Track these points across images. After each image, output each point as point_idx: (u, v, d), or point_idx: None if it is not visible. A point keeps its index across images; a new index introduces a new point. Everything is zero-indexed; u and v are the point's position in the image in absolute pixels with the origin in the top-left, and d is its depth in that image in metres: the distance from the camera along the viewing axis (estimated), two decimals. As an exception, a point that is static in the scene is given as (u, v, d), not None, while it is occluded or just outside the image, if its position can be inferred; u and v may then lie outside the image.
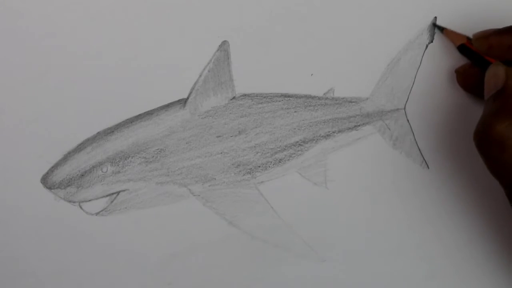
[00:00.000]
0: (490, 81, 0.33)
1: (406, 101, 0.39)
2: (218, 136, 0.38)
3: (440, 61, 0.39)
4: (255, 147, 0.38)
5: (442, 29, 0.39)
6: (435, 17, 0.39)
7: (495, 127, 0.30)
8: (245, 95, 0.38)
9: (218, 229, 0.38)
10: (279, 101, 0.39)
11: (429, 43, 0.39)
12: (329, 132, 0.39)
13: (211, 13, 0.38)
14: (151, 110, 0.38)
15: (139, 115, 0.38)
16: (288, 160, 0.39)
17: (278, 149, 0.39)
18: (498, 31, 0.35)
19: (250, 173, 0.38)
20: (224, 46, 0.38)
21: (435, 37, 0.39)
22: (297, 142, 0.39)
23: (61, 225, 0.37)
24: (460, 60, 0.38)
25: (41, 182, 0.37)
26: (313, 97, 0.39)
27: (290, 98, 0.39)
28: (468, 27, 0.39)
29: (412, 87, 0.39)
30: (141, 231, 0.38)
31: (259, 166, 0.38)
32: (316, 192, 0.39)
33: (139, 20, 0.38)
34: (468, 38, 0.37)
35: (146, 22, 0.38)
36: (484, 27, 0.37)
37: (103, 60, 0.38)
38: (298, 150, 0.39)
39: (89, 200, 0.37)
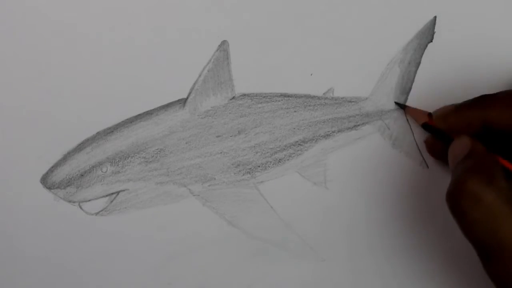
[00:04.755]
0: (456, 150, 0.33)
1: (406, 101, 0.39)
2: (217, 136, 0.38)
3: (439, 60, 0.39)
4: (254, 147, 0.38)
5: (404, 107, 0.39)
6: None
7: (467, 183, 0.29)
8: (244, 94, 0.38)
9: (218, 229, 0.38)
10: (279, 100, 0.39)
11: (428, 42, 0.39)
12: (328, 131, 0.39)
13: (211, 13, 0.38)
14: (150, 110, 0.38)
15: (139, 115, 0.38)
16: (288, 160, 0.39)
17: (278, 149, 0.39)
18: (456, 109, 0.35)
19: (249, 173, 0.38)
20: (223, 46, 0.38)
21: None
22: (297, 142, 0.39)
23: (60, 225, 0.37)
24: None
25: (41, 182, 0.37)
26: (312, 97, 0.39)
27: (290, 98, 0.39)
28: (468, 27, 0.39)
29: (412, 87, 0.39)
30: (140, 231, 0.38)
31: (259, 166, 0.38)
32: (315, 192, 0.39)
33: (139, 20, 0.38)
34: (430, 115, 0.37)
35: (145, 22, 0.38)
36: (483, 27, 0.37)
37: (102, 60, 0.38)
38: (298, 150, 0.39)
39: (89, 200, 0.37)
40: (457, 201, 0.30)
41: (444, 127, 0.35)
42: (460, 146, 0.33)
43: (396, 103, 0.39)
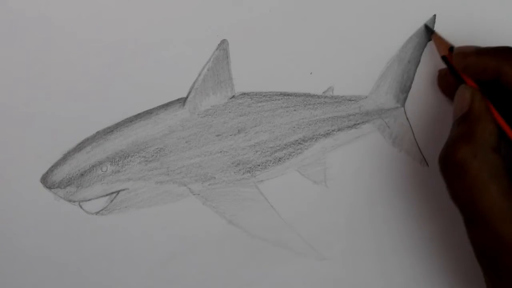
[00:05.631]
0: (458, 103, 0.33)
1: (405, 99, 0.39)
2: (217, 135, 0.38)
3: (437, 58, 0.39)
4: (254, 145, 0.38)
5: (431, 32, 0.39)
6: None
7: (458, 152, 0.31)
8: (244, 93, 0.38)
9: (218, 228, 0.38)
10: (279, 99, 0.39)
11: (428, 41, 0.39)
12: (328, 130, 0.39)
13: (210, 12, 0.38)
14: (150, 110, 0.38)
15: (139, 114, 0.38)
16: (288, 158, 0.39)
17: (278, 148, 0.39)
18: (477, 52, 0.34)
19: (249, 171, 0.38)
20: (223, 45, 0.38)
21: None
22: (297, 140, 0.39)
23: (61, 224, 0.37)
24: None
25: (41, 182, 0.37)
26: (312, 96, 0.39)
27: (290, 97, 0.39)
28: (468, 26, 0.39)
29: (411, 85, 0.39)
30: (141, 230, 0.38)
31: (259, 165, 0.38)
32: (315, 191, 0.39)
33: (138, 19, 0.38)
34: (451, 49, 0.36)
35: (145, 21, 0.38)
36: (483, 26, 0.37)
37: (102, 59, 0.38)
38: (298, 149, 0.39)
39: (89, 200, 0.37)
40: (447, 168, 0.31)
41: (461, 66, 0.35)
42: (462, 100, 0.33)
43: (426, 26, 0.39)
